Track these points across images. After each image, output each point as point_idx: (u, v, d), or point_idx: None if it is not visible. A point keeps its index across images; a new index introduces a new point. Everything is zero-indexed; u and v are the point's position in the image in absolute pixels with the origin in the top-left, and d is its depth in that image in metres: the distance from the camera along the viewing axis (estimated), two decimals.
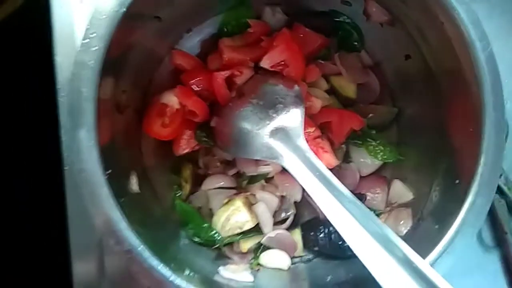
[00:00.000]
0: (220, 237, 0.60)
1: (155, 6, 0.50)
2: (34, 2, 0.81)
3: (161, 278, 0.43)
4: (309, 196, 0.61)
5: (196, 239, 0.61)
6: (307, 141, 0.56)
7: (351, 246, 0.47)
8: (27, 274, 0.85)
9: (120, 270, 0.61)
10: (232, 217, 0.60)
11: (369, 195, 0.63)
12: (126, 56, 0.50)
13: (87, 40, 0.42)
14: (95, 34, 0.42)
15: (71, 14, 0.64)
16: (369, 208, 0.61)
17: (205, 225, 0.61)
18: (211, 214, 0.63)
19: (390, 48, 0.63)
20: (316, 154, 0.59)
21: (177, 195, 0.64)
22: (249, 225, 0.61)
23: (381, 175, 0.65)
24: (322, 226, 0.61)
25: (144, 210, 0.58)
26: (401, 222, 0.56)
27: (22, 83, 0.86)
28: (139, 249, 0.41)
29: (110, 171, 0.43)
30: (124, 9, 0.42)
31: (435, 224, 0.49)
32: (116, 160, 0.50)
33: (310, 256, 0.63)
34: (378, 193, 0.63)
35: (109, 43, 0.42)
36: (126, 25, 0.44)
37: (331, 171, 0.54)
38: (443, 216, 0.48)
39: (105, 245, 0.61)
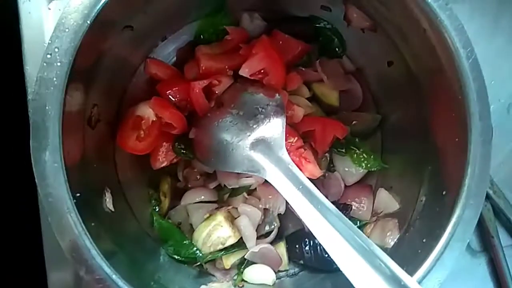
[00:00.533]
0: (201, 254, 0.58)
1: (126, 16, 0.47)
2: (0, 10, 0.77)
3: None
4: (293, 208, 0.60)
5: (177, 257, 0.58)
6: (289, 152, 0.54)
7: (336, 262, 0.45)
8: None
9: None
10: (214, 232, 0.58)
11: (354, 205, 0.62)
12: (96, 68, 0.47)
13: (49, 56, 0.38)
14: (57, 50, 0.39)
15: (40, 21, 0.61)
16: (354, 218, 0.61)
17: (186, 242, 0.58)
18: (191, 229, 0.60)
19: (372, 54, 0.61)
20: (298, 165, 0.57)
21: (155, 210, 0.61)
22: (232, 240, 0.58)
23: (366, 184, 0.64)
24: (307, 239, 0.59)
25: (119, 228, 0.55)
26: (388, 234, 0.55)
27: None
28: (113, 277, 0.38)
29: (79, 194, 0.40)
30: (88, 22, 0.39)
31: (422, 238, 0.47)
32: (88, 178, 0.47)
33: (296, 269, 0.62)
34: (363, 203, 0.62)
35: (74, 58, 0.39)
36: (93, 36, 0.41)
37: (315, 181, 0.52)
38: (431, 229, 0.47)
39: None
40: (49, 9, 0.61)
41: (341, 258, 0.45)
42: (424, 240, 0.47)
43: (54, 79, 0.38)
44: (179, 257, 0.58)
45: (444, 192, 0.48)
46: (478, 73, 0.45)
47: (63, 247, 0.38)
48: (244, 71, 0.57)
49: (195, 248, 0.58)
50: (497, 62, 0.67)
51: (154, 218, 0.59)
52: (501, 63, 0.68)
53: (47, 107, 0.38)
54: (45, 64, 0.38)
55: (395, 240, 0.54)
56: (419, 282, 0.43)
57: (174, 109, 0.57)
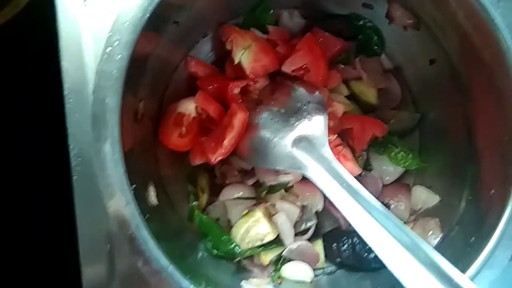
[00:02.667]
0: (240, 250, 0.58)
1: (176, 10, 0.48)
2: (37, 4, 0.78)
3: None
4: (331, 205, 0.60)
5: (215, 252, 0.58)
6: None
7: (383, 260, 0.45)
8: (37, 277, 0.83)
9: (130, 273, 0.59)
10: (252, 228, 0.58)
11: (392, 204, 0.61)
12: (145, 63, 0.47)
13: (109, 48, 0.39)
14: (117, 42, 0.39)
15: (76, 17, 0.62)
16: None
17: (225, 237, 0.59)
18: (229, 225, 0.61)
19: (413, 52, 0.61)
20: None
21: (194, 205, 0.61)
22: (270, 237, 0.58)
23: (403, 183, 0.64)
24: (345, 237, 0.59)
25: (162, 222, 0.55)
26: (430, 233, 0.55)
27: (26, 86, 0.84)
28: (168, 270, 0.39)
29: (134, 185, 0.40)
30: (148, 15, 0.39)
31: (470, 236, 0.47)
32: (135, 172, 0.47)
33: (333, 268, 0.61)
34: (401, 201, 0.61)
35: (132, 51, 0.40)
36: (148, 30, 0.42)
37: None
38: (479, 227, 0.46)
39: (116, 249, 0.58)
40: (85, 5, 0.62)
41: (389, 256, 0.44)
42: (472, 239, 0.46)
43: (114, 71, 0.39)
44: (217, 252, 0.58)
45: (492, 191, 0.47)
46: None
47: (122, 237, 0.38)
48: (287, 67, 0.57)
49: (233, 244, 0.58)
50: None
51: (195, 212, 0.59)
52: None
53: (106, 100, 0.39)
54: (105, 57, 0.39)
55: (438, 239, 0.53)
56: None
57: (218, 104, 0.57)
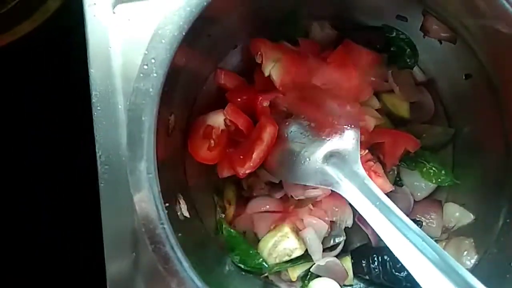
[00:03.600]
0: (267, 264, 0.57)
1: (209, 24, 0.47)
2: (66, 11, 0.78)
3: None
4: (361, 221, 0.59)
5: (242, 266, 0.58)
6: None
7: (417, 280, 0.43)
8: (37, 277, 0.85)
9: (154, 270, 0.59)
10: (280, 243, 0.58)
11: (424, 221, 0.60)
12: (177, 77, 0.47)
13: (145, 67, 0.39)
14: (153, 61, 0.39)
15: (104, 25, 0.62)
16: None
17: (252, 251, 0.58)
18: (256, 239, 0.60)
19: (448, 66, 0.59)
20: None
21: (222, 218, 0.61)
22: (298, 252, 0.58)
23: (435, 199, 0.62)
24: (375, 254, 0.58)
25: (190, 235, 0.55)
26: (465, 253, 0.53)
27: (55, 92, 0.85)
28: None
29: (167, 204, 0.40)
30: (183, 34, 0.39)
31: (509, 261, 0.45)
32: (167, 186, 0.47)
33: (361, 285, 0.60)
34: (433, 218, 0.60)
35: (168, 69, 0.39)
36: (182, 47, 0.41)
37: None
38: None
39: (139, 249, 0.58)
40: (114, 13, 0.62)
41: (423, 277, 0.43)
42: (511, 264, 0.45)
43: (150, 90, 0.39)
44: (245, 267, 0.58)
45: None
46: None
47: (156, 258, 0.38)
48: (317, 80, 0.56)
49: (261, 259, 0.58)
50: None
51: (223, 226, 0.59)
52: None
53: (143, 118, 0.38)
54: (141, 75, 0.39)
55: (474, 261, 0.52)
56: None
57: (247, 116, 0.57)
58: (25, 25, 0.77)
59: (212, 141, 0.57)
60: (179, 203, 0.52)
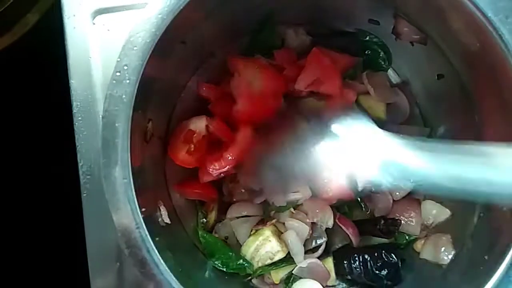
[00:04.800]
0: (249, 265, 0.58)
1: (183, 32, 0.48)
2: (45, 24, 0.77)
3: None
4: (341, 221, 0.60)
5: (225, 269, 0.58)
6: None
7: None
8: (38, 277, 0.84)
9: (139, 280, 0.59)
10: (262, 247, 0.58)
11: (403, 219, 0.61)
12: (153, 84, 0.48)
13: (118, 74, 0.39)
14: (126, 67, 0.40)
15: (84, 36, 0.63)
16: (404, 232, 0.60)
17: (232, 253, 0.58)
18: (238, 244, 0.60)
19: (420, 67, 0.61)
20: None
21: (202, 223, 0.61)
22: (280, 255, 0.58)
23: (413, 198, 0.63)
24: (356, 254, 0.59)
25: (171, 241, 0.55)
26: (442, 249, 0.54)
27: (35, 103, 0.85)
28: None
29: (144, 209, 0.40)
30: (156, 40, 0.40)
31: (483, 255, 0.46)
32: (145, 192, 0.48)
33: (344, 285, 0.61)
34: (412, 217, 0.61)
35: (141, 75, 0.40)
36: (156, 54, 0.42)
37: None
38: (492, 245, 0.45)
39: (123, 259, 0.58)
40: (94, 24, 0.63)
41: None
42: (486, 257, 0.46)
43: (123, 96, 0.39)
44: (227, 270, 0.58)
45: (504, 208, 0.47)
46: None
47: (133, 263, 0.38)
48: (300, 85, 0.57)
49: (241, 260, 0.58)
50: None
51: (199, 233, 0.59)
52: None
53: (116, 124, 0.39)
54: (114, 81, 0.39)
55: (451, 256, 0.53)
56: None
57: (230, 130, 0.57)
58: (5, 38, 0.77)
59: (192, 146, 0.57)
60: (160, 209, 0.52)
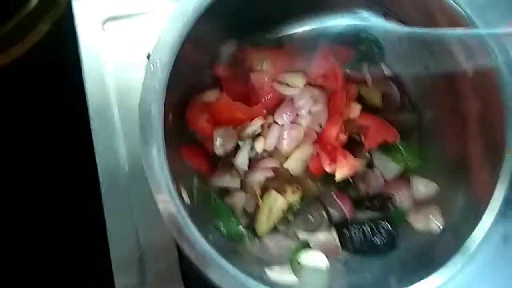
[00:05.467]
0: (244, 231, 0.63)
1: (205, 23, 0.53)
2: (58, 31, 0.80)
3: None
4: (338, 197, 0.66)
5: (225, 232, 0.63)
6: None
7: None
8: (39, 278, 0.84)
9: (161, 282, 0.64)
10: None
11: (396, 196, 0.67)
12: (179, 73, 0.53)
13: (151, 68, 0.46)
14: (158, 62, 0.46)
15: (96, 42, 0.68)
16: (398, 209, 0.66)
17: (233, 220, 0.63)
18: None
19: (409, 59, 0.68)
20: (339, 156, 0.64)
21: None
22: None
23: (404, 177, 0.69)
24: (354, 224, 0.64)
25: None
26: (432, 218, 0.61)
27: (50, 111, 0.86)
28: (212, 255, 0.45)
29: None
30: (184, 39, 0.46)
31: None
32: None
33: (345, 254, 0.65)
34: (404, 194, 0.67)
35: (171, 69, 0.46)
36: (183, 48, 0.49)
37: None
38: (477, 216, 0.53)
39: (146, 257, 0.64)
40: (104, 30, 0.68)
41: None
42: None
43: (157, 86, 0.46)
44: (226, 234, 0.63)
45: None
46: None
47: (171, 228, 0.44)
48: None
49: (240, 226, 0.63)
50: None
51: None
52: None
53: (152, 112, 0.45)
54: (148, 74, 0.46)
55: (441, 225, 0.60)
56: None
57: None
58: (18, 47, 0.79)
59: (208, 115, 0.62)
60: (181, 190, 0.58)
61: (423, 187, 0.66)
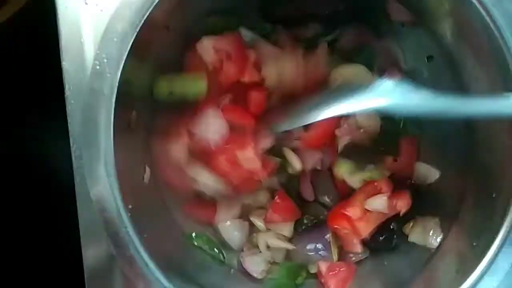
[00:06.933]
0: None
1: (165, 17, 0.46)
2: (37, 3, 0.76)
3: None
4: None
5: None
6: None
7: None
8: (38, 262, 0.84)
9: None
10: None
11: None
12: (136, 74, 0.46)
13: (98, 66, 0.37)
14: (106, 60, 0.37)
15: (77, 16, 0.59)
16: None
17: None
18: None
19: (410, 48, 0.60)
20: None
21: None
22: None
23: None
24: None
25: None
26: (431, 233, 0.55)
27: (27, 85, 0.84)
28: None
29: (131, 206, 0.39)
30: (136, 30, 0.38)
31: (472, 241, 0.47)
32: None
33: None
34: None
35: (122, 68, 0.38)
36: (138, 43, 0.40)
37: None
38: (481, 232, 0.46)
39: None
40: (86, 4, 0.59)
41: None
42: (474, 244, 0.46)
43: (106, 89, 0.37)
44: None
45: (494, 195, 0.47)
46: None
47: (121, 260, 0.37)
48: None
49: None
50: None
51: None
52: None
53: (98, 119, 0.37)
54: (94, 74, 0.37)
55: (439, 239, 0.53)
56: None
57: None
58: None
59: None
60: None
61: (425, 171, 0.60)
